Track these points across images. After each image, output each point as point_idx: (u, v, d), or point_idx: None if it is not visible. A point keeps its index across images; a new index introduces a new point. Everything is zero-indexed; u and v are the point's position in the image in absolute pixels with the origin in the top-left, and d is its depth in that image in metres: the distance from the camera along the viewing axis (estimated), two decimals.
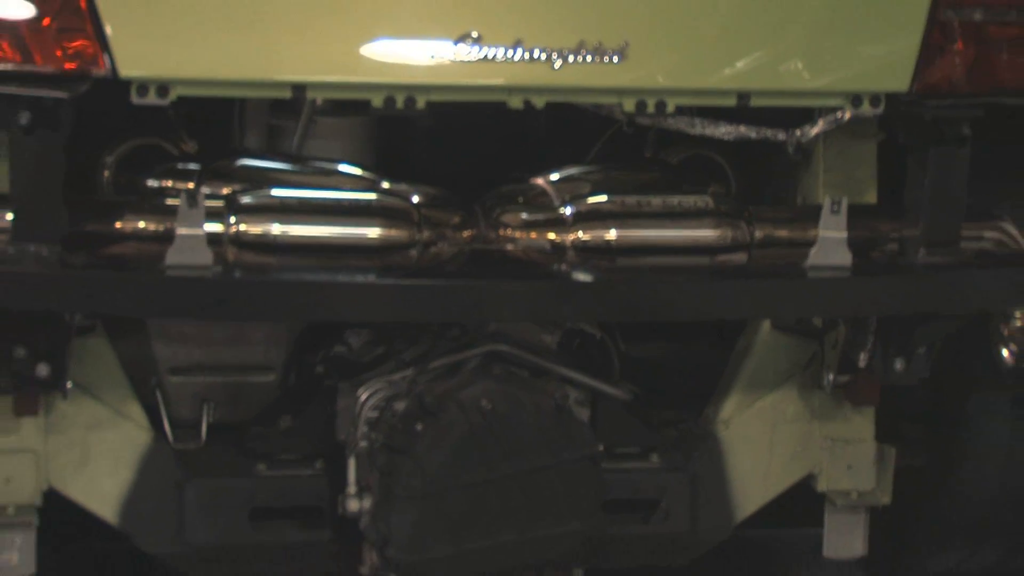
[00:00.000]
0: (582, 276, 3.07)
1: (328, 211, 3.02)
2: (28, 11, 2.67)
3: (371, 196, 3.08)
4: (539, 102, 2.94)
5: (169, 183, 3.24)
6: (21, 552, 3.19)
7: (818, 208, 3.11)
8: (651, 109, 2.98)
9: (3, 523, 3.15)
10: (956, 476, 3.52)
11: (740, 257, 3.16)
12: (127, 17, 2.72)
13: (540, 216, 3.12)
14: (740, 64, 3.02)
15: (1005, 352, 3.30)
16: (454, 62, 2.85)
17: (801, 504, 3.54)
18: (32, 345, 2.76)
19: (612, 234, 3.08)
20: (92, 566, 3.61)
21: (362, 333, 3.28)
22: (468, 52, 2.86)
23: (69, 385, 2.91)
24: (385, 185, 3.10)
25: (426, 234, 3.01)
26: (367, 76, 2.89)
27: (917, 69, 3.03)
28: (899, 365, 3.25)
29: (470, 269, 3.08)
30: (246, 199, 2.92)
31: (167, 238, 2.74)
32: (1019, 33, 3.09)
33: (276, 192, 3.00)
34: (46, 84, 2.64)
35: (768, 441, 3.44)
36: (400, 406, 3.12)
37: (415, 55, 2.86)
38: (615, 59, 2.90)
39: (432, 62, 2.85)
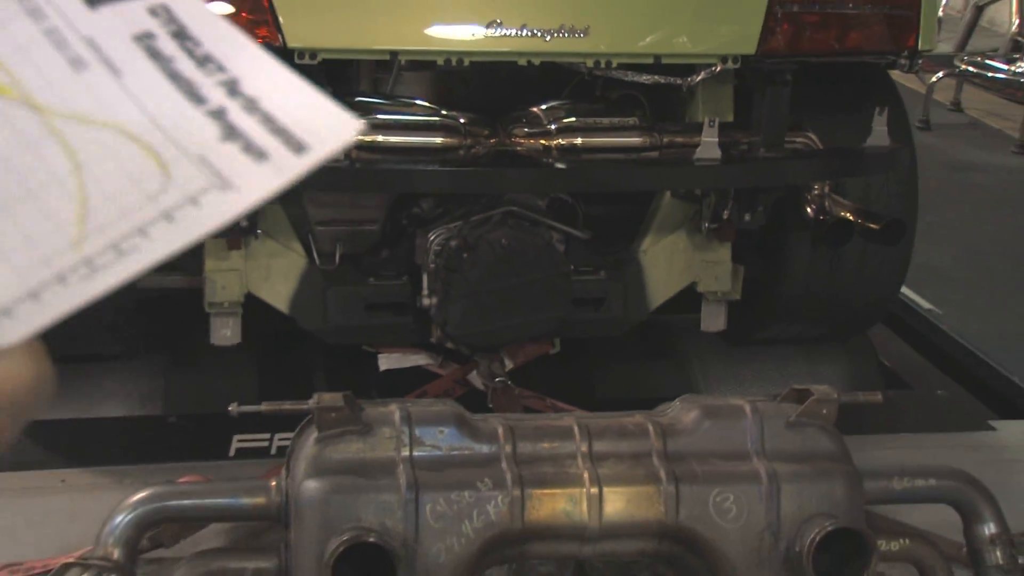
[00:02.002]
0: (559, 165, 3.11)
1: (410, 127, 3.09)
2: (227, 8, 2.71)
3: (434, 118, 3.10)
4: (536, 61, 2.98)
5: None
6: (232, 329, 3.26)
7: (700, 124, 3.12)
8: (602, 66, 3.03)
9: (222, 312, 3.22)
10: (777, 282, 3.53)
11: (653, 154, 3.17)
12: (292, 10, 2.78)
13: (535, 130, 3.14)
14: (655, 37, 3.06)
15: (808, 209, 3.31)
16: (486, 37, 2.91)
17: (688, 298, 3.55)
18: None
19: (578, 140, 3.12)
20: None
21: (429, 200, 3.33)
22: (494, 31, 2.93)
23: (259, 231, 3.04)
24: (443, 112, 3.11)
25: (468, 141, 3.06)
26: (433, 46, 2.95)
27: (760, 40, 3.03)
28: (747, 217, 3.29)
29: (495, 162, 3.11)
30: (362, 120, 2.89)
31: None
32: (819, 19, 3.08)
33: (380, 115, 3.04)
34: None
35: (668, 262, 3.47)
36: (452, 243, 3.15)
37: (462, 33, 2.94)
38: (581, 35, 2.96)
39: (473, 37, 2.92)
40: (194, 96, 0.59)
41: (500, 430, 2.36)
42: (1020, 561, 2.62)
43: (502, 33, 2.89)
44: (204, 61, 0.60)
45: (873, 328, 3.81)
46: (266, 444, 3.13)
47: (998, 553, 2.56)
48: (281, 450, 3.02)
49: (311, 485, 2.24)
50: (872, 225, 3.21)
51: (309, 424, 2.32)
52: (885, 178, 3.36)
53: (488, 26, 2.87)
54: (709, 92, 3.18)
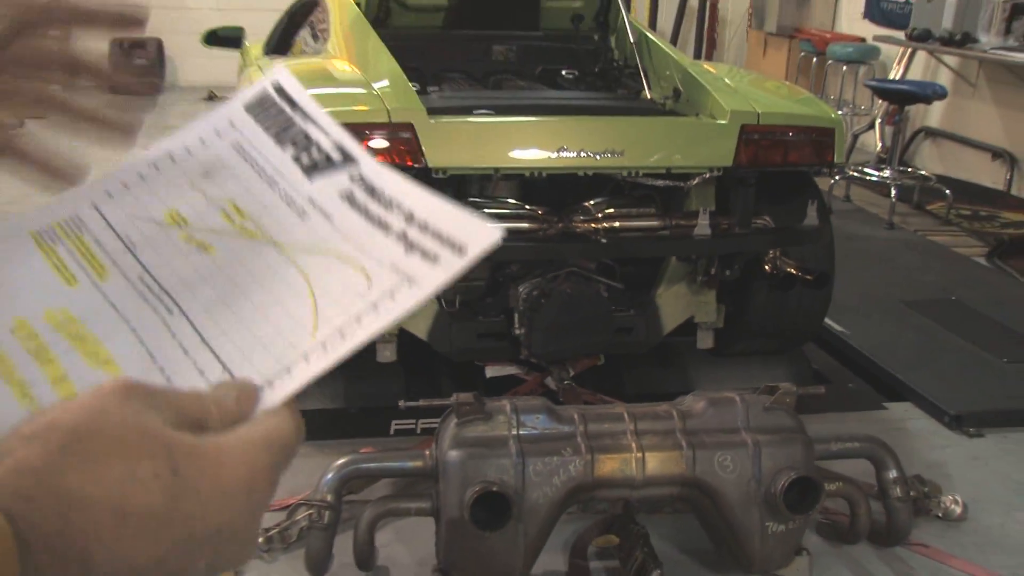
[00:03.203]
0: (603, 240, 3.02)
1: (506, 217, 3.00)
2: (392, 144, 2.72)
3: (522, 211, 3.05)
4: (590, 173, 2.94)
5: None
6: (390, 351, 3.18)
7: (695, 212, 3.08)
8: (632, 174, 3.00)
9: (384, 340, 3.13)
10: (745, 315, 3.45)
11: (665, 232, 3.11)
12: (433, 144, 2.74)
13: (587, 217, 3.06)
14: (666, 156, 2.99)
15: (766, 266, 3.29)
16: (557, 157, 2.86)
17: (687, 327, 3.48)
18: None
19: (616, 224, 3.05)
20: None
21: (518, 264, 3.23)
22: (562, 153, 2.87)
23: None
24: (527, 206, 3.07)
25: (543, 225, 3.00)
26: (522, 164, 2.89)
27: (734, 158, 3.00)
28: (727, 272, 3.25)
29: (561, 239, 3.02)
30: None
31: None
32: (772, 143, 3.05)
33: (487, 210, 2.97)
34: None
35: (675, 303, 3.38)
36: (534, 293, 3.09)
37: (541, 155, 2.87)
38: (619, 155, 2.91)
39: (548, 157, 2.87)
40: (383, 227, 0.57)
41: (576, 415, 2.39)
42: (912, 493, 2.65)
43: (567, 155, 2.86)
44: (388, 204, 0.58)
45: (807, 344, 3.79)
46: (413, 426, 3.12)
47: (898, 489, 2.59)
48: (424, 430, 3.06)
49: (453, 454, 2.26)
50: (808, 276, 3.20)
51: (450, 413, 2.34)
52: (815, 246, 3.32)
53: (558, 151, 2.86)
54: (700, 190, 3.16)
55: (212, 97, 9.22)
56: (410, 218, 0.56)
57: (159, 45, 9.64)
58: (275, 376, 0.51)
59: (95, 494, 0.40)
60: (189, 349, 0.53)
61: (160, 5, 9.71)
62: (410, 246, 0.55)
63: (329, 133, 0.61)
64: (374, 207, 0.57)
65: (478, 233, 0.54)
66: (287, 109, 0.62)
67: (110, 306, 0.54)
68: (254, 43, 5.31)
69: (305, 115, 0.62)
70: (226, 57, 7.67)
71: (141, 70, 9.50)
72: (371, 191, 0.58)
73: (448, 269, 0.53)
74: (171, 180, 0.60)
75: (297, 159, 0.60)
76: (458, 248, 0.54)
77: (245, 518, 0.45)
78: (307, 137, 0.61)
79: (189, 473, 0.43)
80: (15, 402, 0.49)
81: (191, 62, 9.84)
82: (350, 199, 0.58)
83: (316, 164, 0.60)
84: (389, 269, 0.54)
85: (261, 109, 0.62)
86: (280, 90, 0.63)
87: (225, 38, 5.49)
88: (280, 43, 4.95)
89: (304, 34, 4.71)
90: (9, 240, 0.56)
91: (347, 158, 0.60)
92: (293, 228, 0.57)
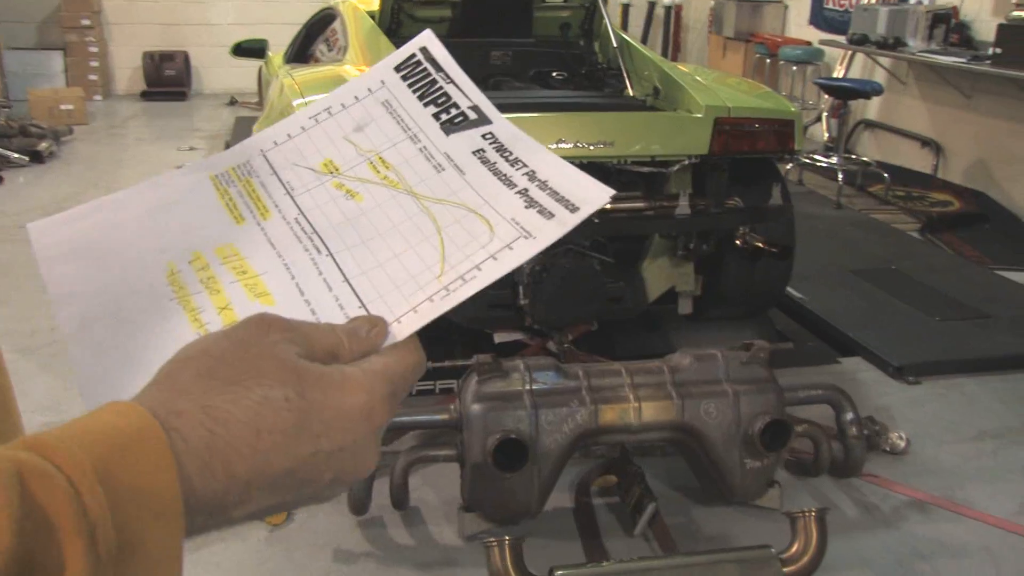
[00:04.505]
0: (596, 220, 2.99)
1: None
2: None
3: None
4: (585, 161, 2.86)
5: None
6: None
7: (676, 195, 3.10)
8: (621, 162, 2.98)
9: None
10: (719, 284, 3.44)
11: (650, 212, 3.11)
12: None
13: None
14: (650, 145, 2.98)
15: (737, 242, 3.30)
16: (556, 149, 2.81)
17: (670, 295, 3.46)
18: None
19: (608, 205, 2.98)
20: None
21: None
22: (559, 146, 2.86)
23: None
24: None
25: None
26: None
27: (709, 146, 3.00)
28: (704, 247, 3.26)
29: None
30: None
31: None
32: (741, 133, 3.04)
33: None
34: None
35: (658, 274, 3.38)
36: (537, 267, 3.03)
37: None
38: (610, 146, 2.90)
39: (548, 150, 2.82)
40: (508, 183, 0.55)
41: (580, 372, 2.41)
42: (865, 432, 2.70)
43: (564, 146, 2.85)
44: (515, 162, 0.56)
45: (771, 309, 3.80)
46: (432, 387, 3.08)
47: (854, 429, 2.64)
48: (443, 390, 3.03)
49: (476, 407, 2.28)
50: (773, 249, 3.24)
51: (471, 372, 2.35)
52: (779, 222, 3.33)
53: (556, 143, 2.84)
54: (679, 175, 3.15)
55: (234, 102, 9.16)
56: (532, 176, 0.55)
57: (186, 57, 9.56)
58: (403, 314, 0.50)
59: (235, 413, 0.41)
60: (333, 286, 0.52)
61: (186, 22, 9.62)
62: (530, 202, 0.54)
63: (468, 94, 0.60)
64: (502, 164, 0.57)
65: (592, 193, 0.54)
66: (431, 70, 0.61)
67: (269, 244, 0.54)
68: (276, 53, 5.29)
69: (447, 77, 0.61)
70: (244, 67, 7.65)
71: (171, 79, 9.43)
72: (500, 149, 0.57)
73: (562, 225, 0.53)
74: (328, 132, 0.59)
75: (437, 116, 0.59)
76: (573, 206, 0.53)
77: (365, 439, 0.45)
78: (447, 96, 0.60)
79: (315, 398, 0.43)
80: (188, 326, 0.50)
81: (214, 71, 9.78)
82: (481, 156, 0.57)
83: (454, 121, 0.59)
84: (510, 222, 0.53)
85: (409, 69, 0.62)
86: (426, 52, 0.62)
87: (249, 49, 5.46)
88: (299, 53, 4.93)
89: (320, 45, 4.70)
90: (192, 181, 0.56)
91: (482, 118, 0.59)
92: (430, 180, 0.56)
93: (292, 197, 0.57)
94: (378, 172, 0.58)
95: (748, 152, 3.09)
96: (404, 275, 0.52)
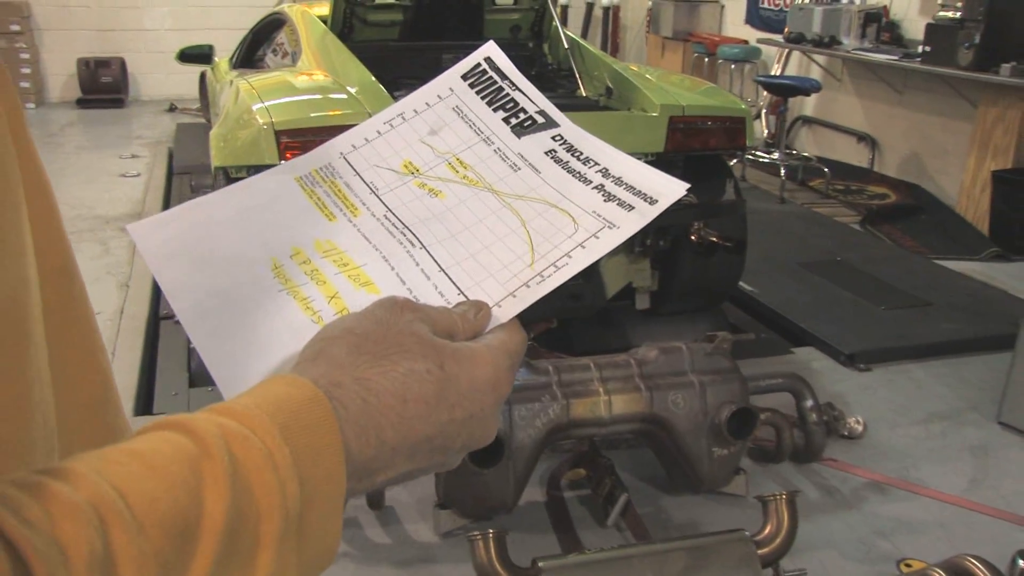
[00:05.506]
0: None
1: None
2: None
3: None
4: None
5: None
6: None
7: None
8: None
9: None
10: (675, 279, 3.47)
11: None
12: None
13: None
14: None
15: (692, 237, 3.35)
16: None
17: (627, 291, 3.49)
18: None
19: None
20: None
21: None
22: None
23: None
24: None
25: None
26: None
27: (665, 143, 3.06)
28: (660, 243, 3.32)
29: None
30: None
31: None
32: (695, 131, 3.11)
33: None
34: None
35: (616, 271, 3.40)
36: None
37: None
38: None
39: None
40: (584, 180, 0.58)
41: (550, 367, 2.44)
42: (824, 418, 2.79)
43: None
44: (586, 161, 0.59)
45: (724, 302, 3.87)
46: None
47: (814, 416, 2.72)
48: None
49: None
50: (727, 243, 3.32)
51: None
52: (732, 217, 3.37)
53: None
54: None
55: (173, 108, 8.99)
56: (606, 173, 0.59)
57: (122, 63, 9.35)
58: (502, 299, 0.54)
59: (384, 384, 0.45)
60: (430, 275, 0.55)
61: (122, 28, 9.42)
62: (608, 196, 0.57)
63: (533, 100, 0.63)
64: (575, 163, 0.60)
65: (668, 187, 0.57)
66: (497, 79, 0.64)
67: (363, 238, 0.57)
68: (222, 59, 5.23)
69: (513, 84, 0.64)
70: (183, 73, 7.52)
71: (108, 86, 9.22)
72: (571, 150, 0.61)
73: (644, 215, 0.56)
74: (403, 136, 0.62)
75: (507, 120, 0.63)
76: (651, 199, 0.56)
77: (491, 408, 0.49)
78: (514, 102, 0.63)
79: (452, 370, 0.47)
80: (302, 314, 0.53)
81: (152, 78, 9.59)
82: (553, 156, 0.60)
83: (523, 125, 0.62)
84: (592, 215, 0.56)
85: (475, 77, 0.65)
86: (490, 61, 0.65)
87: (195, 55, 5.38)
88: (246, 58, 4.88)
89: (267, 50, 4.66)
90: (278, 183, 0.59)
91: (550, 122, 0.62)
92: (508, 178, 0.59)
93: (378, 196, 0.60)
94: (457, 172, 0.60)
95: (701, 149, 3.15)
96: (497, 264, 0.56)
